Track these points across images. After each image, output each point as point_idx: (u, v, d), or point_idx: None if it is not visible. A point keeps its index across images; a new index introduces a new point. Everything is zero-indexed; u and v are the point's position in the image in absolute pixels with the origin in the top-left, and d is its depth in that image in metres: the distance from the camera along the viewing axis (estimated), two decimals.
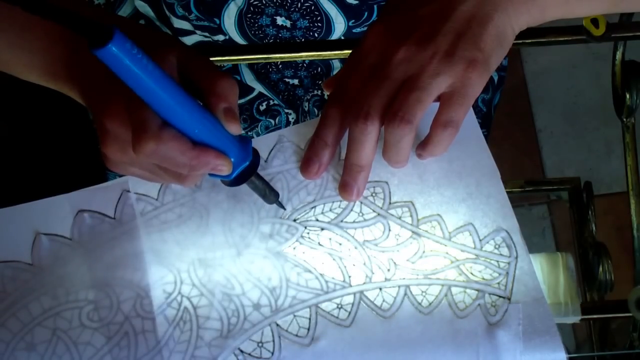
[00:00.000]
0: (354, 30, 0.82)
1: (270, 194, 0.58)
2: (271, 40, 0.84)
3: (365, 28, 0.81)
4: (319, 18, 0.80)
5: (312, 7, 0.79)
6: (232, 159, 0.53)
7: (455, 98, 0.53)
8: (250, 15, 0.81)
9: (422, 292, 0.58)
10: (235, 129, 0.52)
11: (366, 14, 0.80)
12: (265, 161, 0.61)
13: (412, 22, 0.54)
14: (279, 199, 0.59)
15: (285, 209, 0.60)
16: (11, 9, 0.55)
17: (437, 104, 0.54)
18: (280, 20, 0.82)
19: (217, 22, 0.82)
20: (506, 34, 0.54)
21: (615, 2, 0.57)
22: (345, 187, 0.58)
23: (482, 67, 0.52)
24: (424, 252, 0.59)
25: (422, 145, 0.56)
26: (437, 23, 0.53)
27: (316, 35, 0.83)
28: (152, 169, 0.53)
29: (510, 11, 0.53)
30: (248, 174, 0.55)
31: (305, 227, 0.60)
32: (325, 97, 0.90)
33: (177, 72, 0.51)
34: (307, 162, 0.59)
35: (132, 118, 0.49)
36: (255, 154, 0.55)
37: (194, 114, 0.49)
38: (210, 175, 0.53)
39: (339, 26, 0.81)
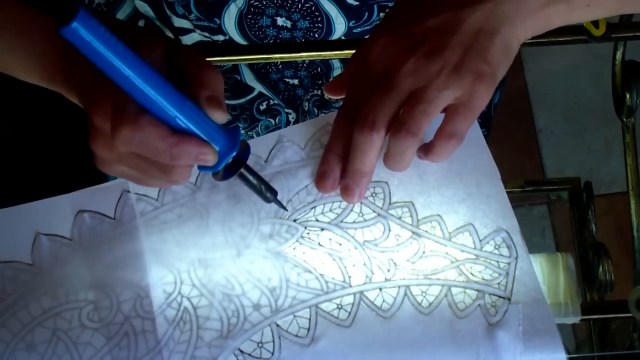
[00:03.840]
0: (354, 31, 0.82)
1: (266, 191, 0.56)
2: (271, 41, 0.84)
3: (366, 28, 0.82)
4: (319, 19, 0.80)
5: (313, 8, 0.79)
6: (218, 149, 0.51)
7: (461, 110, 0.53)
8: (250, 16, 0.81)
9: (422, 292, 0.58)
10: (220, 116, 0.50)
11: (366, 14, 0.80)
12: (265, 161, 0.61)
13: (419, 34, 0.54)
14: (279, 199, 0.58)
15: (286, 210, 0.60)
16: (10, 12, 0.55)
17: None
18: (280, 21, 0.82)
19: (217, 22, 0.82)
20: (512, 46, 0.54)
21: (620, 6, 0.57)
22: (347, 191, 0.58)
23: (490, 80, 0.52)
24: (424, 252, 0.59)
25: (425, 152, 0.56)
26: (444, 36, 0.53)
27: (316, 35, 0.83)
28: (139, 164, 0.51)
29: (517, 23, 0.53)
30: (237, 165, 0.53)
31: (305, 228, 0.60)
32: (326, 97, 0.90)
33: (166, 64, 0.50)
34: (322, 176, 0.58)
35: (112, 106, 0.48)
36: (245, 146, 0.53)
37: (172, 100, 0.48)
38: (199, 168, 0.52)
39: (340, 27, 0.81)
